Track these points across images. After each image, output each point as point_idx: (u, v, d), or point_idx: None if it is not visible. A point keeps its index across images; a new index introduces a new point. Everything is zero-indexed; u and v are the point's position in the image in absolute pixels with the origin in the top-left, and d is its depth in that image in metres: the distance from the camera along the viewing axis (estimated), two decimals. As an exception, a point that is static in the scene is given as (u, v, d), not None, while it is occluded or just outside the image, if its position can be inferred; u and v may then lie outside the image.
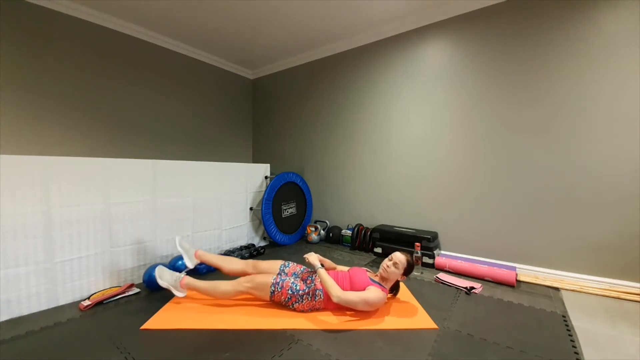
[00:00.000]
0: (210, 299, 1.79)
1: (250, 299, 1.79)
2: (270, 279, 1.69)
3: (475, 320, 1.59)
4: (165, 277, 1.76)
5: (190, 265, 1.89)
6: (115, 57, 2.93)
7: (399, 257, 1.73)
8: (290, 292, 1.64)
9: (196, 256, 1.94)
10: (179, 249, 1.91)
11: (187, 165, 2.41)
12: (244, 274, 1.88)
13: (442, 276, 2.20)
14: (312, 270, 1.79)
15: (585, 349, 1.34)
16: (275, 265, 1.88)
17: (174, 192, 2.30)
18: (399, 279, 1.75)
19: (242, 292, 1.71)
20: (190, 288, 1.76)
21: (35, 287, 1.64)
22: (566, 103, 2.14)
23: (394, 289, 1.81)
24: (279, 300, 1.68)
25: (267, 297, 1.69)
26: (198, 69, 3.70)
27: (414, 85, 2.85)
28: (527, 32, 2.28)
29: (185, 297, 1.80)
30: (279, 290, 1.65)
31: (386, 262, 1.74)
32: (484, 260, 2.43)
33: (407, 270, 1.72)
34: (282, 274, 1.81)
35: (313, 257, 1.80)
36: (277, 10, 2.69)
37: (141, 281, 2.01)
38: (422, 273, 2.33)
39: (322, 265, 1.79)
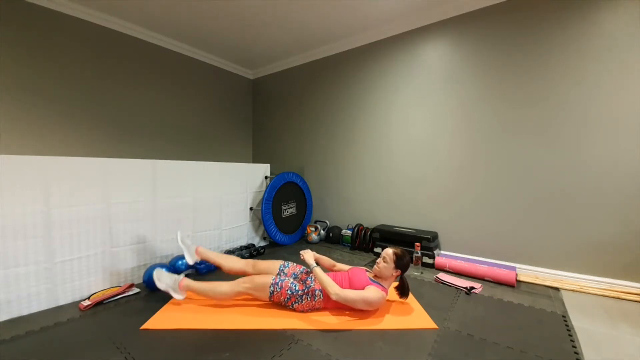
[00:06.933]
0: (209, 299, 1.79)
1: (249, 299, 1.79)
2: (269, 279, 1.69)
3: (475, 320, 1.59)
4: (163, 280, 1.75)
5: (190, 261, 1.89)
6: (115, 57, 2.93)
7: (386, 251, 1.74)
8: (289, 292, 1.64)
9: (197, 253, 1.94)
10: (180, 244, 1.91)
11: (187, 165, 2.41)
12: (243, 273, 1.88)
13: (442, 276, 2.20)
14: (310, 271, 1.76)
15: (585, 349, 1.34)
16: (274, 265, 1.88)
17: (174, 192, 2.30)
18: (393, 273, 1.68)
19: (241, 293, 1.71)
20: (189, 290, 1.76)
21: (35, 287, 1.64)
22: (566, 103, 2.14)
23: (403, 293, 1.73)
24: (278, 301, 1.67)
25: (266, 297, 1.68)
26: (198, 69, 3.70)
27: (414, 85, 2.85)
28: (527, 32, 2.27)
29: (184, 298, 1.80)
30: (278, 290, 1.65)
31: (378, 259, 1.75)
32: (484, 260, 2.43)
33: (398, 262, 1.67)
34: (282, 274, 1.80)
35: (308, 255, 1.79)
36: (277, 10, 2.69)
37: (141, 281, 2.01)
38: (422, 273, 2.33)
39: (318, 263, 1.78)
